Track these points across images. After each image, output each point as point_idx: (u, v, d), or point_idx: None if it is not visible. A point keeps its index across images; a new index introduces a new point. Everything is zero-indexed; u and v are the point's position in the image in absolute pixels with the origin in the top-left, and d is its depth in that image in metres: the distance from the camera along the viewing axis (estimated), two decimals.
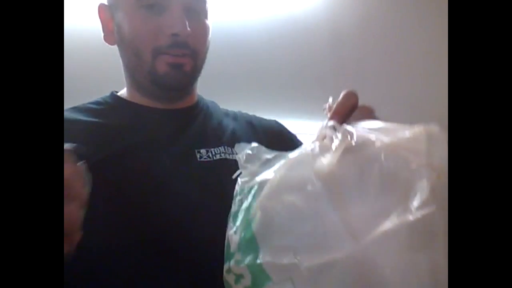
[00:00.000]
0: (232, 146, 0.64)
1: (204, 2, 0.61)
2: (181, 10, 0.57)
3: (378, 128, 0.41)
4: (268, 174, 0.40)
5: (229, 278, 0.38)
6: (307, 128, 3.67)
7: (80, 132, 0.57)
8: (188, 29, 0.58)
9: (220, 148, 0.63)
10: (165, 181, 0.58)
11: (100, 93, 0.77)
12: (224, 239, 0.42)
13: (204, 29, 0.61)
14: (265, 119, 0.79)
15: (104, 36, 0.65)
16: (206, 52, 0.65)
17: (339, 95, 0.48)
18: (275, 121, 0.79)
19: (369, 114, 0.46)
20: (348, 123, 0.43)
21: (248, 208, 0.39)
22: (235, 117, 0.75)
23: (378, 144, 0.38)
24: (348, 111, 0.43)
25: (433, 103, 2.82)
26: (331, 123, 0.42)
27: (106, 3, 0.64)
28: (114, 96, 0.70)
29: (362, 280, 0.33)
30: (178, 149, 0.62)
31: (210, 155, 0.62)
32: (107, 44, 0.72)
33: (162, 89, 0.58)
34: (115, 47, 0.70)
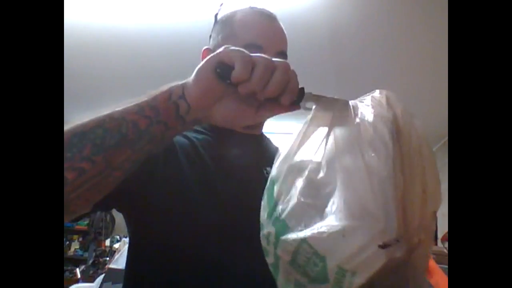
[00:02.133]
0: None
1: (285, 58, 0.76)
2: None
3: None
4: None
5: (263, 242, 0.49)
6: None
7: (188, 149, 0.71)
8: None
9: None
10: (242, 193, 0.70)
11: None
12: None
13: None
14: None
15: None
16: None
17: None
18: None
19: None
20: None
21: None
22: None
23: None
24: None
25: (433, 103, 2.82)
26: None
27: (211, 48, 0.79)
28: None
29: None
30: (251, 165, 0.77)
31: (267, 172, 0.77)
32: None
33: None
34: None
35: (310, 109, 0.50)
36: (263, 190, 0.54)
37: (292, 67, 0.48)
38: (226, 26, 0.78)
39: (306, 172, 0.46)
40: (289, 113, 0.52)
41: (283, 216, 0.45)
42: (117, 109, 0.49)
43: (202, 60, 0.79)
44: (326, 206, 0.43)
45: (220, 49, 0.48)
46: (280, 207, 0.47)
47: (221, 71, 0.46)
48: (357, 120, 0.45)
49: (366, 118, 0.45)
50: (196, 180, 0.68)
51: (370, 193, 0.41)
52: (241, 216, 0.65)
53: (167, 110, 0.49)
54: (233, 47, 0.47)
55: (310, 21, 1.98)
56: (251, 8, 0.79)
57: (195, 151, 0.72)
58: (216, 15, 0.82)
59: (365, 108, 0.47)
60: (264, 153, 0.83)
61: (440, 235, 2.66)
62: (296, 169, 0.48)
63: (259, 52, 0.70)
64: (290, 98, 0.48)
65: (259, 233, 0.53)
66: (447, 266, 1.65)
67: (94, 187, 0.48)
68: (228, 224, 0.66)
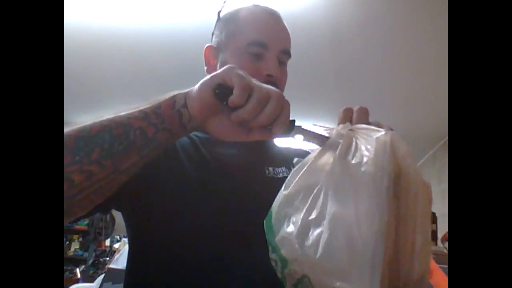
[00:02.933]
0: (288, 167, 0.79)
1: (289, 57, 0.78)
2: (276, 59, 0.74)
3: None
4: None
5: (272, 262, 0.52)
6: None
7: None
8: (279, 74, 0.76)
9: (282, 168, 0.78)
10: (243, 192, 0.71)
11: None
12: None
13: (286, 76, 0.79)
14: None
15: (206, 69, 0.81)
16: None
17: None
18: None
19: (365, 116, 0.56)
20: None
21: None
22: (285, 147, 0.93)
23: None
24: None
25: (433, 103, 2.82)
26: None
27: (214, 45, 0.80)
28: None
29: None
30: (252, 164, 0.78)
31: (275, 173, 0.76)
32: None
33: None
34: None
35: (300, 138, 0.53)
36: (264, 190, 0.55)
37: (285, 98, 0.50)
38: (230, 23, 0.78)
39: (302, 211, 0.47)
40: (290, 113, 0.52)
41: (281, 252, 0.48)
42: (120, 113, 0.50)
43: (205, 57, 0.82)
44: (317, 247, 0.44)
45: (225, 68, 0.50)
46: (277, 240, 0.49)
47: (220, 92, 0.49)
48: (356, 160, 0.45)
49: (365, 162, 0.44)
50: (197, 180, 0.68)
51: (353, 252, 0.41)
52: (242, 216, 0.65)
53: (171, 118, 0.50)
54: (236, 70, 0.49)
55: (310, 21, 1.98)
56: (255, 5, 0.79)
57: (196, 150, 0.72)
58: (219, 13, 0.82)
59: (367, 149, 0.46)
60: (266, 152, 0.82)
61: (440, 235, 2.66)
62: (292, 202, 0.49)
63: (264, 50, 0.73)
64: (281, 129, 0.49)
65: (258, 233, 0.53)
66: (447, 266, 1.65)
67: (99, 190, 0.49)
68: (229, 224, 0.66)
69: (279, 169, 0.78)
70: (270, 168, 0.77)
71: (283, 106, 0.49)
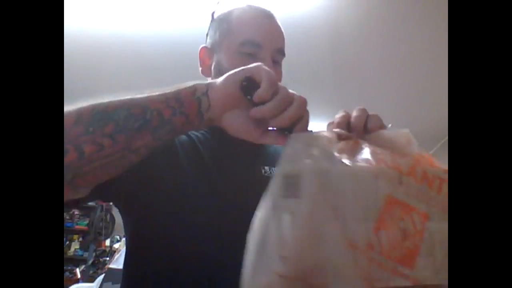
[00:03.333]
0: None
1: (283, 56, 0.77)
2: (269, 59, 0.74)
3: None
4: None
5: None
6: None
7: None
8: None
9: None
10: (240, 192, 0.71)
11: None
12: None
13: (281, 76, 0.78)
14: None
15: (201, 70, 0.81)
16: None
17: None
18: None
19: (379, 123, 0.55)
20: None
21: None
22: (280, 147, 0.96)
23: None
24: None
25: (433, 103, 2.82)
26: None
27: (208, 46, 0.80)
28: None
29: None
30: (249, 163, 0.78)
31: (272, 172, 0.77)
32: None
33: None
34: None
35: None
36: (260, 190, 0.55)
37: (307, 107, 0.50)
38: (224, 23, 0.78)
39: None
40: None
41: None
42: (139, 95, 0.50)
43: (200, 58, 0.82)
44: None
45: (255, 64, 0.50)
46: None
47: (247, 84, 0.49)
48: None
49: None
50: (194, 177, 0.68)
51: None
52: (239, 215, 0.65)
53: (190, 104, 0.51)
54: (265, 67, 0.49)
55: (310, 22, 1.98)
56: (249, 6, 0.79)
57: (194, 149, 0.73)
58: (213, 13, 0.83)
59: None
60: (263, 152, 0.83)
61: None
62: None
63: (257, 49, 0.73)
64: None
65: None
66: None
67: (107, 165, 0.49)
68: (226, 224, 0.66)
69: (275, 169, 0.78)
70: (266, 167, 0.77)
71: (305, 113, 0.49)
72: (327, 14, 1.95)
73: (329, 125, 0.54)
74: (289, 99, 0.48)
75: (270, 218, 0.42)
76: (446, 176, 0.44)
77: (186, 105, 0.50)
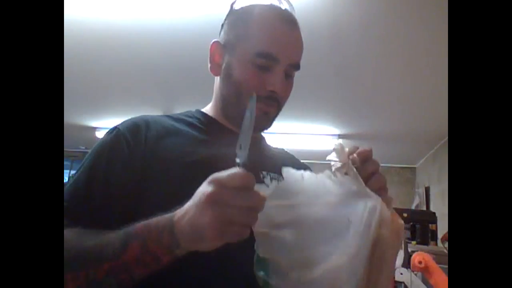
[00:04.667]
0: (280, 174, 0.78)
1: (297, 70, 0.75)
2: (283, 74, 0.71)
3: None
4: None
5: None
6: (307, 129, 3.66)
7: (176, 138, 0.72)
8: (283, 90, 0.73)
9: (274, 174, 0.76)
10: None
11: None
12: None
13: (291, 89, 0.77)
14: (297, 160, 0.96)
15: (210, 66, 0.77)
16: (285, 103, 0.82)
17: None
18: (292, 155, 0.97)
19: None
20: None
21: None
22: (277, 151, 0.92)
23: None
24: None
25: (433, 103, 2.82)
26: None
27: (221, 42, 0.76)
28: (201, 113, 0.83)
29: None
30: (248, 168, 0.75)
31: (270, 177, 0.75)
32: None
33: None
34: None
35: None
36: None
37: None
38: (241, 24, 0.73)
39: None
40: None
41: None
42: (117, 252, 0.51)
43: (210, 53, 0.78)
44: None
45: (211, 235, 0.48)
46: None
47: None
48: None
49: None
50: (191, 180, 0.67)
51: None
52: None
53: (165, 257, 0.51)
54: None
55: (310, 22, 1.98)
56: (272, 7, 0.73)
57: (192, 151, 0.71)
58: (232, 4, 0.77)
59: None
60: (262, 155, 0.82)
61: (440, 235, 2.66)
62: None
63: (272, 63, 0.70)
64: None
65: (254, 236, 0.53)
66: (447, 266, 1.65)
67: None
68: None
69: (273, 174, 0.77)
70: (264, 172, 0.76)
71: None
72: (327, 15, 1.95)
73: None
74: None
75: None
76: None
77: (163, 261, 0.51)
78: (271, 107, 0.73)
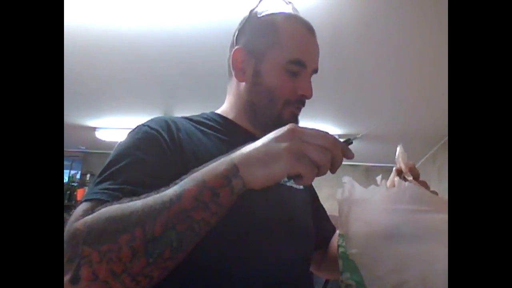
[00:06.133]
0: None
1: (316, 73, 0.80)
2: (310, 78, 0.78)
3: None
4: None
5: (341, 285, 0.61)
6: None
7: (202, 140, 0.73)
8: (311, 93, 0.78)
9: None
10: (244, 197, 0.69)
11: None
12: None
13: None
14: None
15: (234, 73, 0.79)
16: None
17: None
18: None
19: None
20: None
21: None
22: None
23: None
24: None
25: (433, 103, 2.82)
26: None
27: (245, 49, 0.77)
28: (219, 116, 0.84)
29: None
30: None
31: (284, 181, 0.76)
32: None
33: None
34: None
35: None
36: (264, 194, 0.54)
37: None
38: (270, 32, 0.76)
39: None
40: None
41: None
42: (173, 198, 0.49)
43: (233, 59, 0.79)
44: None
45: (286, 158, 0.49)
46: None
47: (289, 177, 0.51)
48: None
49: None
50: None
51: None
52: (241, 219, 0.64)
53: (230, 203, 0.51)
54: (297, 158, 0.49)
55: (310, 22, 1.98)
56: (294, 16, 0.79)
57: (206, 152, 0.70)
58: (252, 11, 0.79)
59: None
60: None
61: None
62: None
63: (301, 68, 0.75)
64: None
65: (256, 237, 0.53)
66: None
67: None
68: (228, 228, 0.65)
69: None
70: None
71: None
72: (327, 15, 1.95)
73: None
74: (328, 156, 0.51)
75: None
76: None
77: (227, 206, 0.51)
78: (299, 110, 0.80)
